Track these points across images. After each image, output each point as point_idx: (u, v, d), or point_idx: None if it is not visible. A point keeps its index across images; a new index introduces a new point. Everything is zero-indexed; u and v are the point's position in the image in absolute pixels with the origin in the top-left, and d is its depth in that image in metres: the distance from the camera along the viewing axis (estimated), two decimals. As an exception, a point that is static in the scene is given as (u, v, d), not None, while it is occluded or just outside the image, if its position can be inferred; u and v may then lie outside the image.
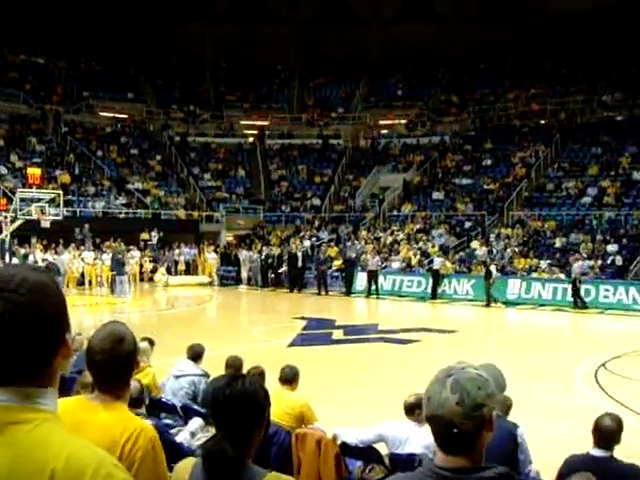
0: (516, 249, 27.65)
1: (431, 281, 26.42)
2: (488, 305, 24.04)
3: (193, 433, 6.21)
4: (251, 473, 2.43)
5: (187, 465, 2.58)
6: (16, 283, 1.45)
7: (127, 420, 2.56)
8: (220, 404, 2.50)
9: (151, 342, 8.06)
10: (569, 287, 23.63)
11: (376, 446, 6.07)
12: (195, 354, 7.86)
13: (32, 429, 1.42)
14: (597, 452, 4.77)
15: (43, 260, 25.61)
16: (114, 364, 2.64)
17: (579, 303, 23.02)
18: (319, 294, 27.60)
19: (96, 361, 2.66)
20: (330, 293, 27.84)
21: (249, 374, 7.02)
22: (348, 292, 27.60)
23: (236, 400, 2.48)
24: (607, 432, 4.79)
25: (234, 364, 7.35)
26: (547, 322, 22.33)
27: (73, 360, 7.05)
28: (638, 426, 8.78)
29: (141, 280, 31.05)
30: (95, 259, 29.08)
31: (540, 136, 36.61)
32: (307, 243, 32.85)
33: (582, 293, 23.19)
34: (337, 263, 29.53)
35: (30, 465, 1.38)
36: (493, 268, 24.63)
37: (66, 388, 5.03)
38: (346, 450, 6.09)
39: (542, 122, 38.46)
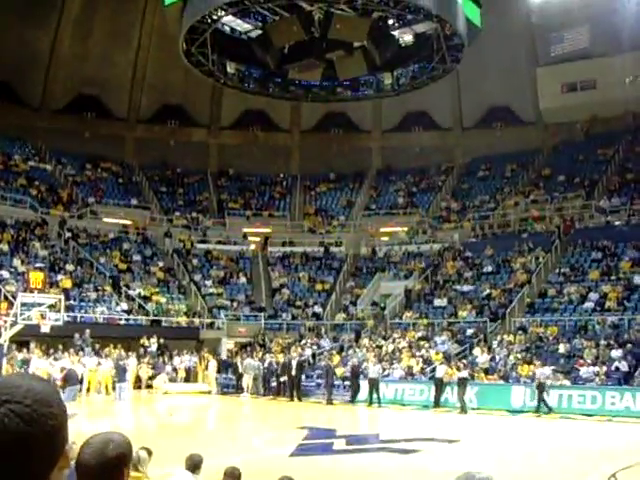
0: (519, 355, 27.36)
1: (433, 389, 26.07)
2: (463, 411, 24.16)
3: None
4: None
5: None
6: (22, 394, 1.42)
7: None
8: None
9: (149, 452, 7.86)
10: (574, 393, 23.34)
11: None
12: (193, 464, 7.66)
13: None
14: None
15: (62, 369, 25.33)
16: (102, 467, 2.51)
17: (544, 409, 23.22)
18: (330, 403, 27.22)
19: (83, 464, 2.51)
20: (334, 402, 27.46)
21: None
22: (353, 400, 27.10)
23: None
24: None
25: (232, 474, 7.17)
26: (553, 430, 21.86)
27: (68, 471, 6.87)
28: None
29: (138, 387, 30.61)
30: (98, 364, 28.82)
31: (540, 242, 36.90)
32: (308, 351, 32.60)
33: (548, 398, 23.50)
34: (340, 371, 29.18)
35: None
36: (465, 374, 24.86)
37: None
38: None
39: (541, 228, 38.83)
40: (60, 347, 29.05)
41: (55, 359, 27.46)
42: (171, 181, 49.21)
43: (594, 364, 25.21)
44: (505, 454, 16.50)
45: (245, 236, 45.47)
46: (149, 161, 47.96)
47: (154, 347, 33.61)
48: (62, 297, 28.59)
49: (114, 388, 26.31)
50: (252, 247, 44.81)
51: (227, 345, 36.18)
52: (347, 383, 28.72)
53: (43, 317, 26.39)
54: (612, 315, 28.98)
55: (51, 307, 27.17)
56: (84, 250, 38.66)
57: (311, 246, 44.55)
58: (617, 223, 36.03)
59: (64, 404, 1.53)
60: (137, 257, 40.83)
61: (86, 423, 20.06)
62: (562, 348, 27.40)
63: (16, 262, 34.57)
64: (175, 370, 32.65)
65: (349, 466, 14.52)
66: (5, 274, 33.10)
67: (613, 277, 31.67)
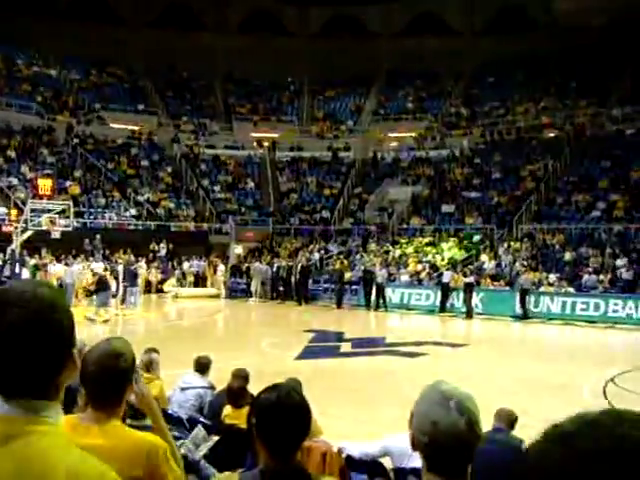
0: (525, 262, 27.56)
1: (439, 294, 26.42)
2: (469, 317, 24.64)
3: (196, 444, 6.22)
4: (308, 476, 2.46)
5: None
6: (26, 299, 1.48)
7: (134, 440, 2.59)
8: (273, 416, 2.44)
9: (156, 352, 8.05)
10: (578, 301, 23.70)
11: (381, 460, 6.07)
12: (201, 366, 7.88)
13: (35, 442, 1.44)
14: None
15: (94, 274, 25.66)
16: (108, 379, 2.61)
17: (522, 314, 24.12)
18: (340, 307, 27.70)
19: (90, 375, 2.62)
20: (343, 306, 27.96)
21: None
22: (368, 304, 27.48)
23: (289, 412, 2.45)
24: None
25: (240, 376, 7.36)
26: (556, 336, 22.25)
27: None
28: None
29: (148, 292, 31.06)
30: (105, 270, 29.14)
31: (549, 149, 36.60)
32: (316, 256, 32.87)
33: (530, 305, 24.33)
34: (347, 276, 29.45)
35: (31, 478, 1.40)
36: (471, 279, 25.35)
37: (71, 398, 5.05)
38: (351, 464, 6.09)
39: (552, 135, 38.43)
40: (72, 252, 29.34)
41: (67, 264, 27.77)
42: (178, 86, 48.62)
43: (598, 272, 25.41)
44: (507, 358, 16.86)
45: (256, 142, 45.19)
46: (155, 66, 47.25)
47: (163, 252, 33.94)
48: (71, 203, 28.74)
49: (125, 292, 26.65)
50: (260, 152, 44.58)
51: (236, 250, 36.46)
52: (354, 287, 29.07)
53: (53, 223, 26.59)
54: (619, 224, 29.00)
55: (61, 213, 27.34)
56: (92, 156, 38.59)
57: (319, 151, 44.30)
58: (629, 132, 35.61)
59: (70, 310, 1.60)
60: (145, 162, 40.77)
61: (100, 327, 20.49)
62: (568, 256, 27.57)
63: (24, 169, 34.60)
64: (184, 275, 33.05)
65: (354, 368, 14.87)
66: (14, 181, 33.20)
67: (622, 186, 31.52)
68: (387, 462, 5.95)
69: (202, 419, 7.19)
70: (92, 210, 33.87)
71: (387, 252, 32.18)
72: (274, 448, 2.41)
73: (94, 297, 23.01)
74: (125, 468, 2.34)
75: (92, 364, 2.63)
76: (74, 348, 1.57)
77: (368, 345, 18.17)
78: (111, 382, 2.62)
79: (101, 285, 22.51)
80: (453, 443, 1.90)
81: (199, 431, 6.32)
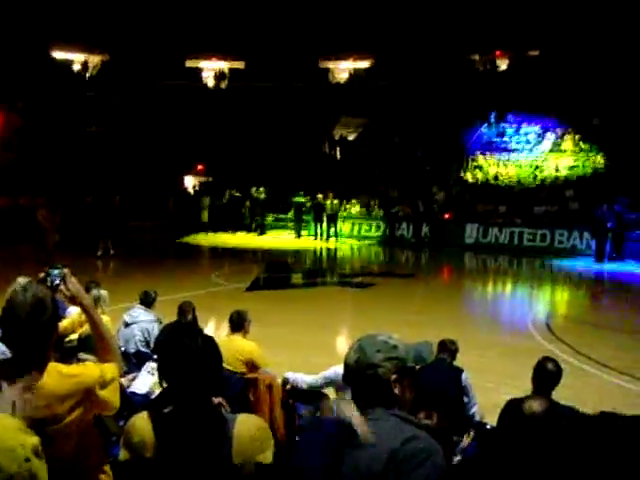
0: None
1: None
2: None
3: (151, 373, 6.24)
4: (222, 418, 2.49)
5: (144, 421, 2.52)
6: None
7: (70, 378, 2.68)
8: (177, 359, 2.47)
9: (100, 287, 7.95)
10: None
11: (325, 391, 6.17)
12: (148, 300, 7.85)
13: None
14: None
15: None
16: (34, 335, 2.63)
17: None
18: (299, 237, 28.06)
19: (15, 331, 2.64)
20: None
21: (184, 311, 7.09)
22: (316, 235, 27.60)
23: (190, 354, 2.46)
24: (548, 377, 4.92)
25: (185, 310, 7.37)
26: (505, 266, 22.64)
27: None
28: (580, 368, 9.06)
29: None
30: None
31: None
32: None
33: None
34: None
35: None
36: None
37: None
38: (296, 394, 6.19)
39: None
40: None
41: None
42: None
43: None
44: (453, 288, 17.17)
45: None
46: None
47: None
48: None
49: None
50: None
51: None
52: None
53: None
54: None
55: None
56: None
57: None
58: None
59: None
60: None
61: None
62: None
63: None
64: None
65: (302, 299, 14.96)
66: None
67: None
68: (331, 393, 6.06)
69: (149, 353, 7.21)
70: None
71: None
72: (179, 390, 2.46)
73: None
74: (66, 403, 2.59)
75: (16, 316, 2.62)
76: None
77: (319, 276, 18.30)
78: (36, 335, 2.64)
79: None
80: (346, 375, 2.38)
81: (151, 370, 6.31)
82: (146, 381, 6.28)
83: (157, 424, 2.46)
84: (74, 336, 6.86)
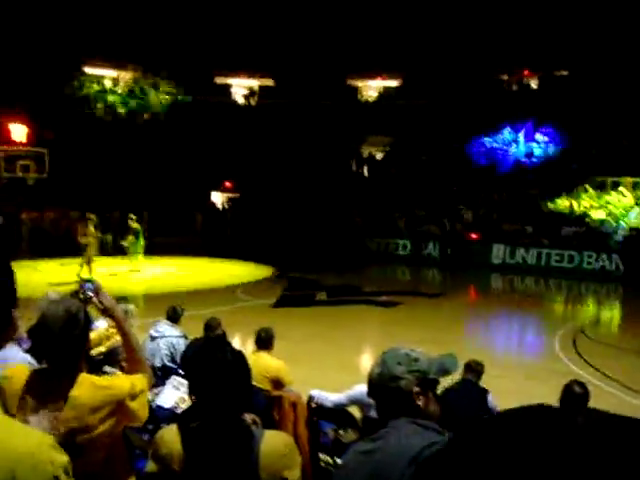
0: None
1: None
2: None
3: (175, 387, 6.25)
4: (250, 433, 2.51)
5: (173, 434, 2.55)
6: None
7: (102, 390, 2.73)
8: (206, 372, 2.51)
9: (129, 304, 8.00)
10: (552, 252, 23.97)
11: (350, 409, 6.16)
12: (174, 316, 7.88)
13: None
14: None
15: None
16: (67, 346, 2.67)
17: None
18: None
19: (48, 342, 2.68)
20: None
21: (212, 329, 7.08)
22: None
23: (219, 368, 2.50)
24: (575, 399, 4.87)
25: (217, 325, 7.38)
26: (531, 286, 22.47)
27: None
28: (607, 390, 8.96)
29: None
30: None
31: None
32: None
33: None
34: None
35: None
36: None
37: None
38: (320, 412, 6.18)
39: None
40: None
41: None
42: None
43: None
44: (481, 308, 17.04)
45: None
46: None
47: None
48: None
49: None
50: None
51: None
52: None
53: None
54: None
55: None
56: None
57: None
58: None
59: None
60: None
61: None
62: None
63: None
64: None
65: (328, 317, 14.93)
66: None
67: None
68: (356, 411, 6.05)
69: (175, 368, 7.24)
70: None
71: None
72: (208, 404, 2.48)
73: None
74: (97, 414, 2.65)
75: (49, 330, 2.66)
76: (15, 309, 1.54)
77: (344, 294, 18.24)
78: (69, 347, 2.68)
79: None
80: (370, 388, 2.40)
81: (176, 383, 6.32)
82: (171, 395, 6.29)
83: (185, 437, 2.49)
84: (100, 349, 6.90)
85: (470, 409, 5.58)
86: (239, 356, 2.57)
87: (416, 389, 2.29)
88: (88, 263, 18.19)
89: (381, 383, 2.32)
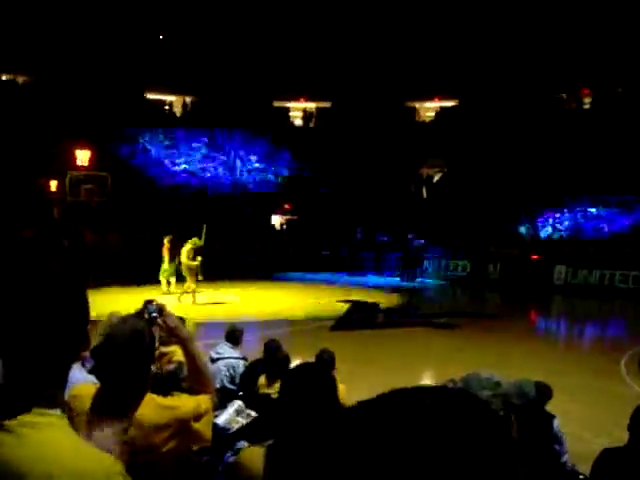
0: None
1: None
2: None
3: (237, 411, 6.25)
4: None
5: (256, 454, 2.53)
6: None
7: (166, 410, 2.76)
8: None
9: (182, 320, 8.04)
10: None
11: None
12: (233, 337, 7.91)
13: (46, 435, 1.40)
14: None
15: None
16: (132, 362, 2.69)
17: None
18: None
19: (115, 359, 2.71)
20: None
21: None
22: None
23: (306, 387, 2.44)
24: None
25: (279, 346, 7.36)
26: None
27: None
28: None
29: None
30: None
31: None
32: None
33: None
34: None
35: (35, 472, 1.35)
36: None
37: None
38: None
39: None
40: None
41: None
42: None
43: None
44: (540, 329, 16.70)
45: None
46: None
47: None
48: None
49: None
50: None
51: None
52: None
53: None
54: None
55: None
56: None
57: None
58: None
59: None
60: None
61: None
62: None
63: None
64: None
65: (388, 339, 14.83)
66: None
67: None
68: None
69: (235, 390, 7.25)
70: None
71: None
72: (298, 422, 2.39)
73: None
74: (162, 434, 2.67)
75: (115, 347, 2.70)
76: (88, 325, 1.55)
77: (404, 316, 18.12)
78: (134, 365, 2.70)
79: None
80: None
81: (237, 402, 6.33)
82: (227, 417, 6.30)
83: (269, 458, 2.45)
84: (162, 369, 6.95)
85: (535, 435, 5.42)
86: (331, 382, 2.50)
87: (501, 413, 2.21)
88: (192, 290, 18.59)
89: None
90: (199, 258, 18.95)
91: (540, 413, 5.76)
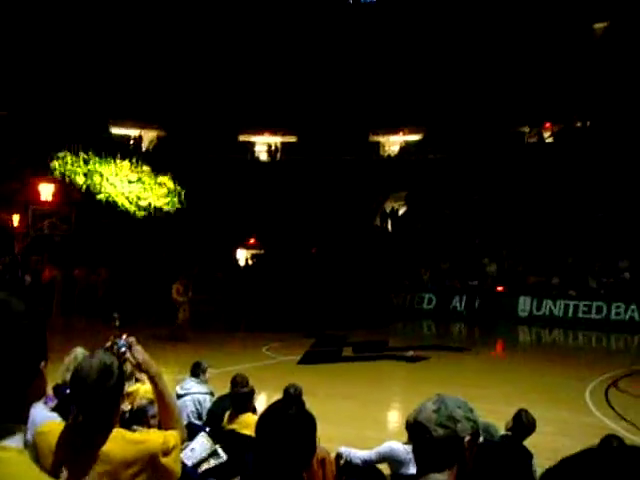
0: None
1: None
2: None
3: (208, 452, 6.17)
4: None
5: None
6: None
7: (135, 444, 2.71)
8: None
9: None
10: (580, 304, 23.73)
11: (379, 466, 6.05)
12: (197, 372, 7.84)
13: (5, 471, 1.35)
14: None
15: None
16: (100, 398, 2.65)
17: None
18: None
19: (83, 394, 2.68)
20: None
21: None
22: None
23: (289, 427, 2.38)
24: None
25: (244, 382, 7.31)
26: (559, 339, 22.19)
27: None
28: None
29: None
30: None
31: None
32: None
33: None
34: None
35: None
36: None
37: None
38: (350, 470, 6.07)
39: None
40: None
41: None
42: None
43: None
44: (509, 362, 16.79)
45: None
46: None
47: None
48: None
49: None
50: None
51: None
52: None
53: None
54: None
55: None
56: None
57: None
58: None
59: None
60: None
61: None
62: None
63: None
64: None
65: (354, 373, 14.79)
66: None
67: None
68: (385, 468, 5.94)
69: (201, 425, 7.17)
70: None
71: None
72: (277, 464, 2.34)
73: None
74: (131, 470, 2.62)
75: (83, 381, 2.66)
76: (43, 361, 1.52)
77: (370, 350, 18.10)
78: (103, 400, 2.66)
79: None
80: (420, 423, 2.21)
81: (202, 436, 6.25)
82: (195, 454, 6.22)
83: None
84: (128, 406, 6.86)
85: (510, 474, 5.31)
86: (308, 416, 2.47)
87: (467, 438, 2.18)
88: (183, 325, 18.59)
89: (437, 421, 2.17)
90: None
91: (519, 449, 5.68)
